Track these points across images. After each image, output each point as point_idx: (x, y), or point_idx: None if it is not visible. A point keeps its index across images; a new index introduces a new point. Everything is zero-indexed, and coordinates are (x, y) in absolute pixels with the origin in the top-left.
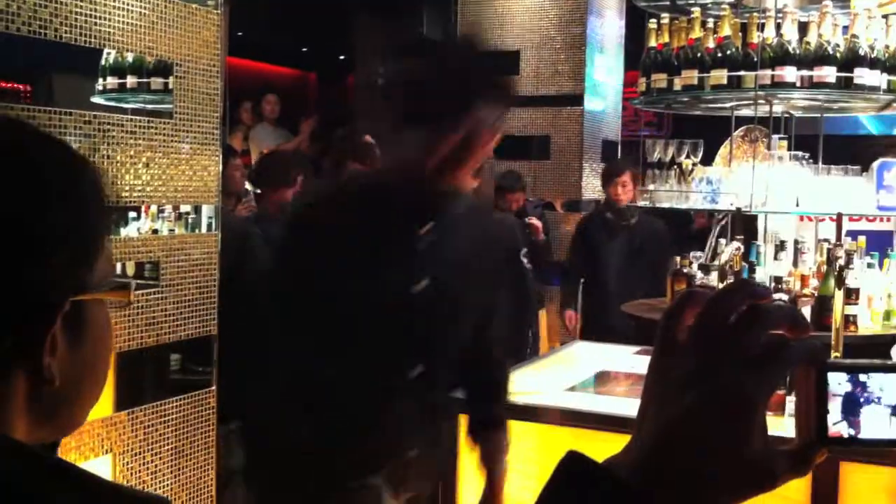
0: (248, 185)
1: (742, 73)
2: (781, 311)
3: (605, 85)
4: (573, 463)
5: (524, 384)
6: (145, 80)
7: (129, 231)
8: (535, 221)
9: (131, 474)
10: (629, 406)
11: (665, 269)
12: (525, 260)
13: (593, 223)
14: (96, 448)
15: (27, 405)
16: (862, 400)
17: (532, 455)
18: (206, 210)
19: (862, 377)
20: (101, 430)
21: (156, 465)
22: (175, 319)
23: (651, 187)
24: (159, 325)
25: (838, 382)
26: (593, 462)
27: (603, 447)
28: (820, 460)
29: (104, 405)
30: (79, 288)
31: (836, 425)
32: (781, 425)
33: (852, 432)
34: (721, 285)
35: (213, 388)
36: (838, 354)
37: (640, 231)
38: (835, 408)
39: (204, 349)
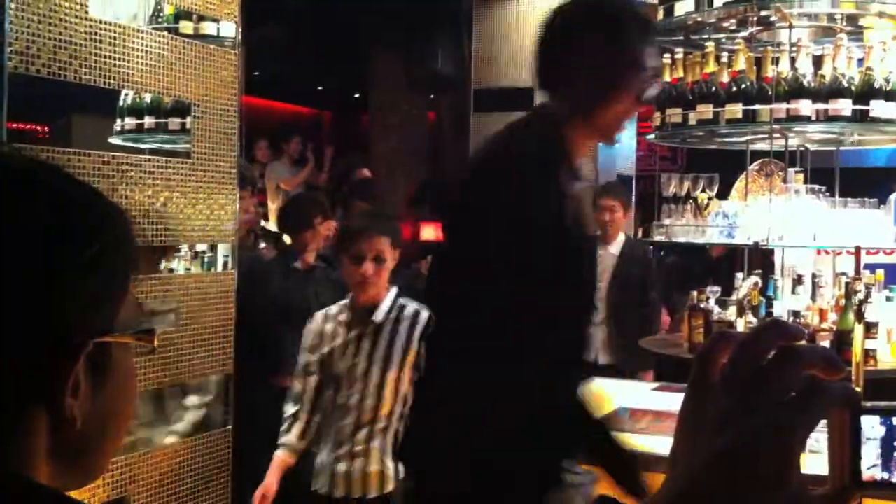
0: (263, 223)
1: (757, 106)
2: (815, 353)
3: None
4: None
5: None
6: (163, 120)
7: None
8: None
9: None
10: (649, 443)
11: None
12: None
13: None
14: (114, 488)
15: (48, 449)
16: None
17: None
18: (223, 249)
19: None
20: (117, 471)
21: None
22: (192, 359)
23: (667, 222)
24: (176, 365)
25: (872, 426)
26: None
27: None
28: None
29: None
30: (103, 329)
31: (871, 469)
32: (802, 462)
33: (886, 476)
34: (740, 320)
35: (230, 427)
36: (859, 389)
37: None
38: (869, 452)
39: (220, 388)
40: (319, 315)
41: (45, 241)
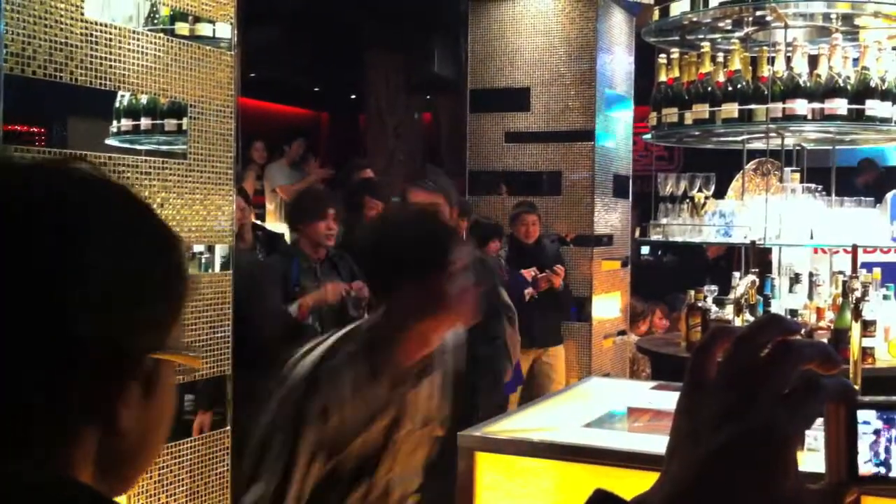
0: (255, 221)
1: (753, 106)
2: (813, 347)
3: (616, 120)
4: (602, 501)
5: (540, 420)
6: (159, 121)
7: None
8: (559, 270)
9: None
10: (648, 442)
11: None
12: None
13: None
14: None
15: (95, 458)
16: (893, 438)
17: (549, 493)
18: (220, 250)
19: (893, 415)
20: None
21: None
22: None
23: (664, 221)
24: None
25: (868, 420)
26: (622, 500)
27: (622, 484)
28: (850, 499)
29: None
30: (159, 345)
31: (867, 464)
32: (800, 459)
33: (883, 471)
34: (737, 319)
35: (228, 428)
36: (857, 388)
37: None
38: (865, 446)
39: (218, 389)
40: (309, 364)
41: (113, 260)
